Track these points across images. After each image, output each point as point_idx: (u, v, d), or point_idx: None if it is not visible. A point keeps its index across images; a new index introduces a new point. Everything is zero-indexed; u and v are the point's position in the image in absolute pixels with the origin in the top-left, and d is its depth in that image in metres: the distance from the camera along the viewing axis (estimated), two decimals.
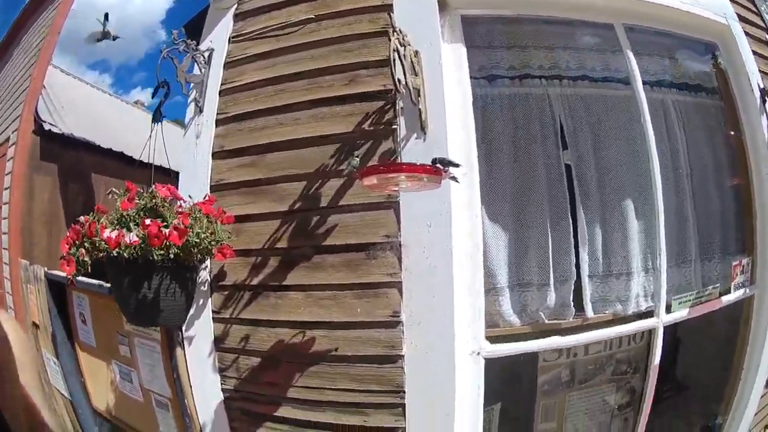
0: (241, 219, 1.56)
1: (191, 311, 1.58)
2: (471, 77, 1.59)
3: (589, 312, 1.80)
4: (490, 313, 1.57)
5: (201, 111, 1.65)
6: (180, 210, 1.43)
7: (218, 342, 1.62)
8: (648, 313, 1.81)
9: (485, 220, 1.63)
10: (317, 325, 1.49)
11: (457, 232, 1.43)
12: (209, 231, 1.42)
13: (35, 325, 2.77)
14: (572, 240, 1.80)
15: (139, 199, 1.39)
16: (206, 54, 1.73)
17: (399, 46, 1.26)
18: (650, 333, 1.80)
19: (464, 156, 1.48)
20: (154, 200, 1.39)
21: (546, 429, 2.01)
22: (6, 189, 3.19)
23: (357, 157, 1.36)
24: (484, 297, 1.49)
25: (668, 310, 1.78)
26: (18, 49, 4.00)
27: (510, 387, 1.83)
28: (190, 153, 1.66)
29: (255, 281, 1.55)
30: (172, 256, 1.34)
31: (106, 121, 4.77)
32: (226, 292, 1.61)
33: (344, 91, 1.52)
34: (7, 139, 3.38)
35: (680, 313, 1.80)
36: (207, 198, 1.52)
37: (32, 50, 3.63)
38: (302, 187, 1.50)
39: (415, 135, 1.46)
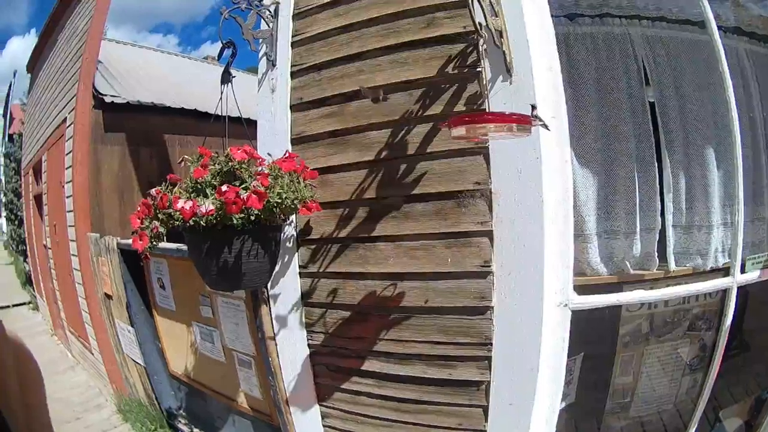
0: (325, 171, 1.55)
1: (276, 269, 1.58)
2: (551, 16, 1.49)
3: (672, 264, 1.75)
4: (577, 260, 1.52)
5: (274, 65, 1.62)
6: (259, 171, 1.36)
7: (305, 297, 1.64)
8: (722, 270, 1.74)
9: (573, 165, 1.56)
10: (407, 276, 1.47)
11: (547, 178, 1.36)
12: (291, 189, 1.36)
13: (107, 296, 2.89)
14: (658, 187, 1.73)
15: (213, 164, 1.32)
16: (271, 8, 1.68)
17: None
18: (724, 291, 1.72)
19: (552, 98, 1.41)
20: (230, 164, 1.33)
21: (623, 383, 1.98)
22: (68, 168, 3.29)
23: None
24: (573, 247, 1.43)
25: (742, 269, 1.70)
26: (62, 35, 4.05)
27: (592, 337, 1.79)
28: (266, 108, 1.64)
29: (343, 234, 1.54)
30: (253, 218, 1.28)
31: (174, 81, 4.84)
32: (312, 247, 1.61)
33: (423, 34, 1.46)
34: (64, 120, 3.47)
35: (753, 275, 1.72)
36: (287, 155, 1.48)
37: (79, 33, 3.66)
38: (388, 134, 1.46)
39: (501, 78, 1.39)
